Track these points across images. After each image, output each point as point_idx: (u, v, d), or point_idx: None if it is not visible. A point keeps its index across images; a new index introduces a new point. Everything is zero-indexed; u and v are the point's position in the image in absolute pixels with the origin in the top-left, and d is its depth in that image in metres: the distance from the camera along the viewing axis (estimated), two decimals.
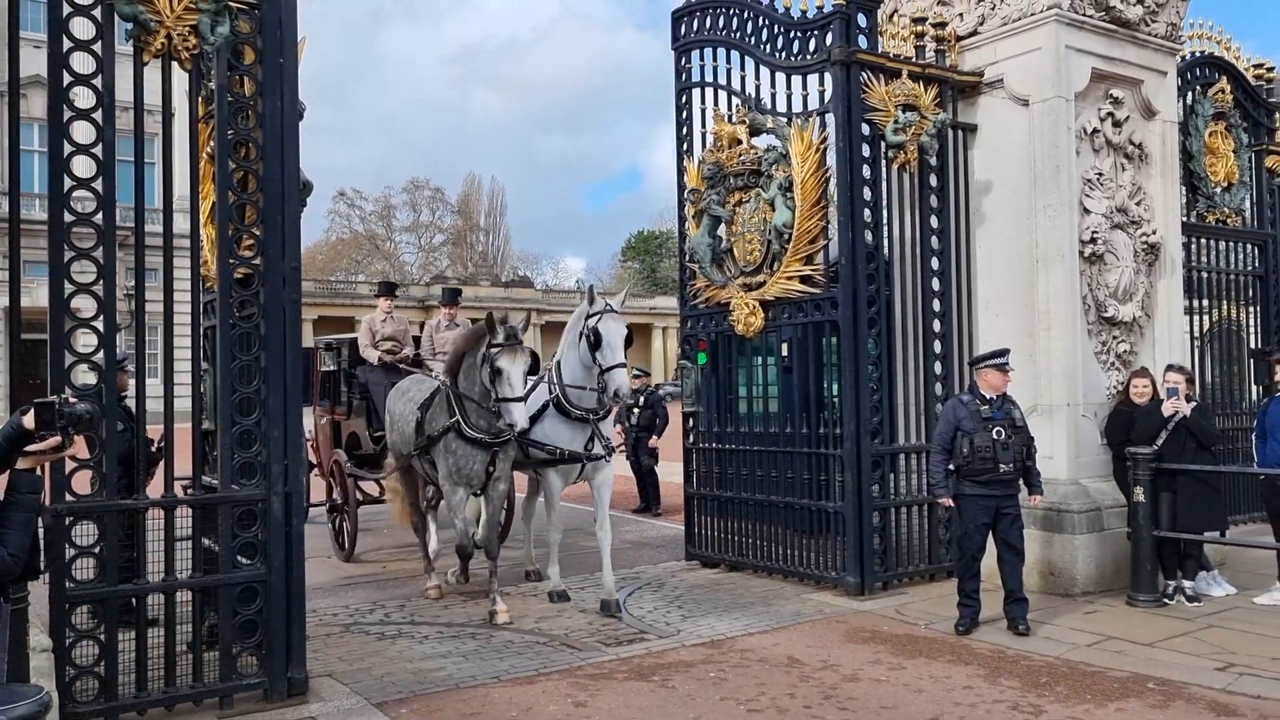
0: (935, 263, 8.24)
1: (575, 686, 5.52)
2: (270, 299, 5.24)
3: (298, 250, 5.39)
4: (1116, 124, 8.38)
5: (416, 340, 10.22)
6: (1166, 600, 7.32)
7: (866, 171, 7.85)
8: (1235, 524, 8.29)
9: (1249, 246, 10.64)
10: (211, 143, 5.31)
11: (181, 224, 5.27)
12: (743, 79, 8.69)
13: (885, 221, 8.05)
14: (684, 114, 9.27)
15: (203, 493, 5.47)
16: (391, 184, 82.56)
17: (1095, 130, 8.29)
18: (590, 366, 7.17)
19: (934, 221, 8.24)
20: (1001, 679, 5.51)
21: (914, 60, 8.19)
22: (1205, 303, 10.14)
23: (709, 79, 9.03)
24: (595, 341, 7.03)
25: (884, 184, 8.01)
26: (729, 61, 8.82)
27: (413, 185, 67.43)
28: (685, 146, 9.25)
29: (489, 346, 6.74)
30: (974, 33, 8.46)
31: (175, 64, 5.11)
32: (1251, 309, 10.74)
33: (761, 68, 8.49)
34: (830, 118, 7.89)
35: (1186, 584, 7.42)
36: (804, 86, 8.12)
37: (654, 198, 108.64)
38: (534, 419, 7.37)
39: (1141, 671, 5.65)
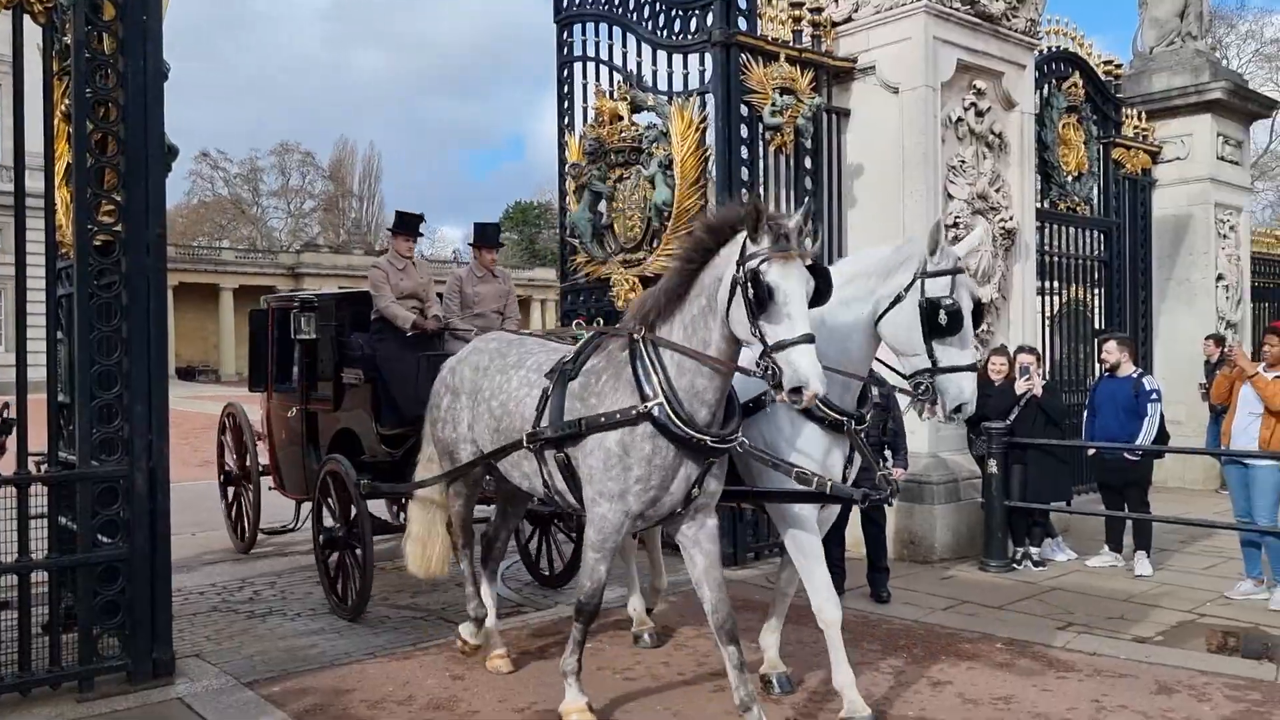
0: (809, 244, 8.47)
1: (453, 660, 5.54)
2: (133, 268, 5.00)
3: (163, 217, 5.17)
4: (979, 114, 8.78)
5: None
6: (1015, 565, 7.81)
7: (745, 152, 8.01)
8: (1077, 494, 8.87)
9: (1096, 233, 11.33)
10: (67, 101, 5.04)
11: (36, 184, 4.99)
12: (624, 55, 8.72)
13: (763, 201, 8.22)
14: (565, 88, 9.25)
15: (60, 469, 5.23)
16: (259, 146, 79.14)
17: (959, 119, 8.67)
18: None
19: (809, 203, 8.47)
20: (863, 642, 5.78)
21: (791, 44, 8.38)
22: (1056, 285, 10.76)
23: (591, 54, 9.03)
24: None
25: (762, 164, 8.20)
26: (611, 37, 8.84)
27: (281, 148, 64.84)
28: (566, 120, 9.23)
29: (744, 260, 3.84)
30: (848, 19, 8.71)
31: (28, 17, 4.82)
32: (1097, 292, 11.46)
33: (643, 45, 8.54)
34: (710, 98, 8.01)
35: (1034, 550, 7.93)
36: (684, 65, 8.22)
37: (539, 167, 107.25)
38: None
39: (991, 632, 6.03)
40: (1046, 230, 10.37)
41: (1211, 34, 15.55)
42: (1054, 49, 10.55)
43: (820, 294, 3.98)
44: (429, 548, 5.71)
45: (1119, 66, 12.03)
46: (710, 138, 8.04)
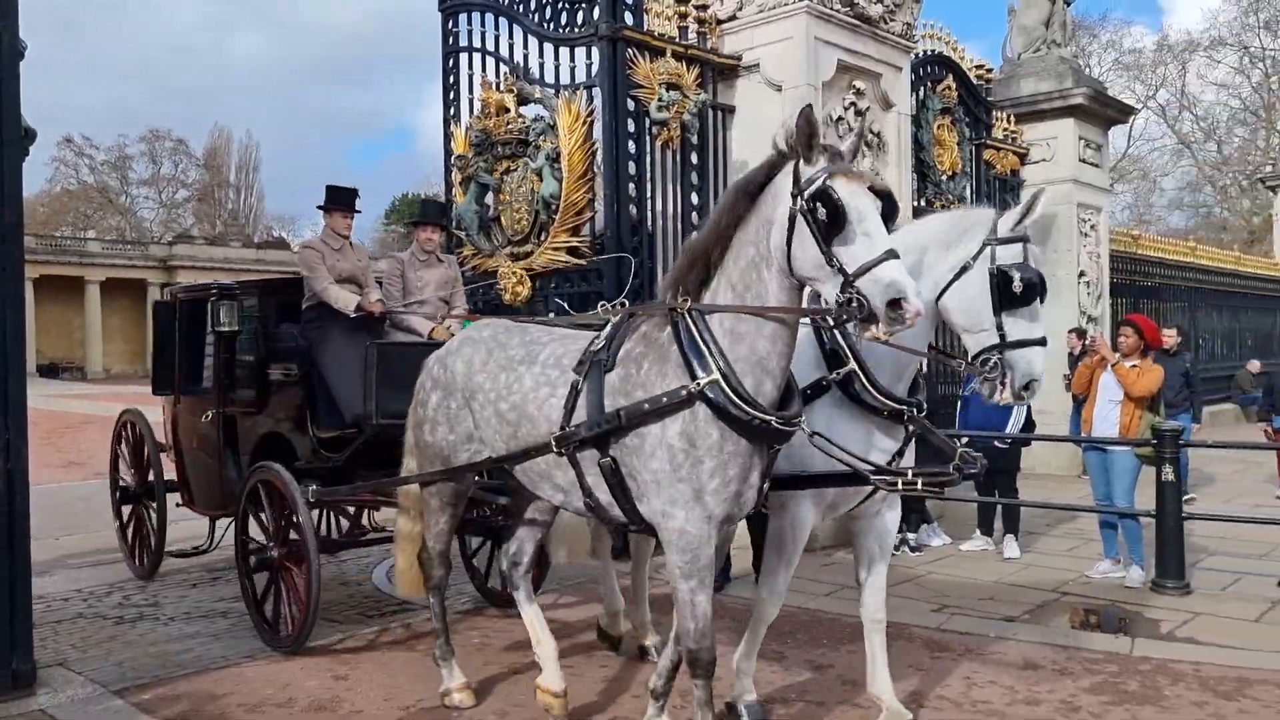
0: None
1: (336, 660, 5.42)
2: None
3: (19, 204, 4.90)
4: (859, 113, 9.03)
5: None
6: (894, 551, 8.07)
7: (632, 147, 8.06)
8: None
9: None
10: None
11: None
12: (511, 47, 8.66)
13: (650, 196, 8.30)
14: (451, 78, 9.14)
15: None
16: (127, 132, 75.59)
17: (840, 118, 8.90)
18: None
19: (695, 198, 8.58)
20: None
21: (678, 40, 8.46)
22: None
23: (477, 44, 8.94)
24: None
25: (648, 159, 8.25)
26: (498, 28, 8.77)
27: (152, 135, 62.09)
28: (453, 111, 9.12)
29: (802, 185, 3.28)
30: (733, 17, 8.85)
31: None
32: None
33: (530, 37, 8.50)
34: (597, 91, 8.03)
35: (910, 536, 8.22)
36: (571, 59, 8.22)
37: (427, 159, 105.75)
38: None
39: None
40: None
41: (1075, 42, 16.34)
42: (929, 53, 10.94)
43: (887, 219, 3.35)
44: (410, 568, 4.95)
45: (990, 71, 12.56)
46: (598, 131, 8.06)
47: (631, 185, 8.02)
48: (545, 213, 8.20)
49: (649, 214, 8.31)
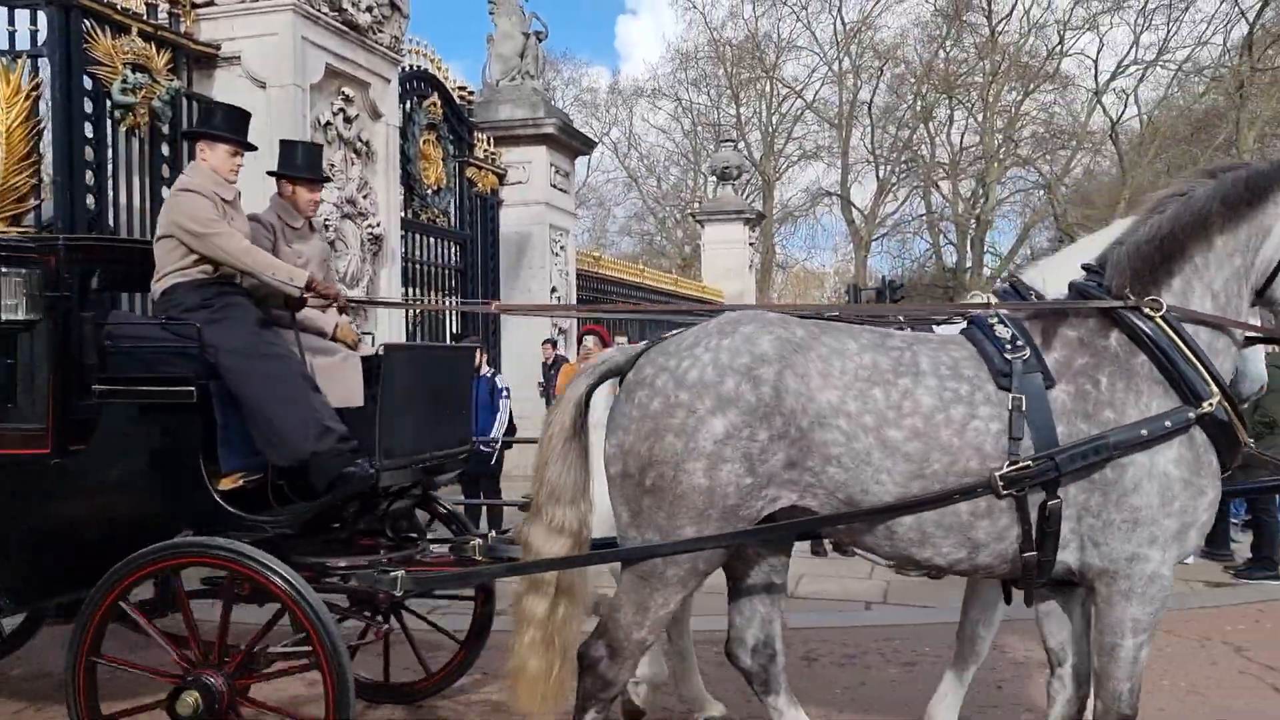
0: None
1: None
2: None
3: None
4: (348, 120, 8.95)
5: None
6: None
7: (89, 130, 7.19)
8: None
9: (453, 244, 12.27)
10: None
11: None
12: None
13: (112, 186, 7.44)
14: None
15: None
16: None
17: (329, 123, 8.75)
18: None
19: (166, 192, 7.86)
20: None
21: (146, 18, 7.69)
22: (419, 291, 11.42)
23: None
24: None
25: (110, 145, 7.40)
26: None
27: None
28: None
29: None
30: (211, 3, 8.27)
31: None
32: (455, 298, 12.41)
33: None
34: (45, 63, 7.02)
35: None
36: (11, 21, 7.09)
37: None
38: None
39: None
40: (411, 239, 10.95)
41: (544, 76, 17.77)
42: (416, 68, 11.19)
43: None
44: (552, 671, 3.28)
45: (472, 93, 13.18)
46: (45, 108, 7.03)
47: (89, 173, 7.12)
48: None
49: (109, 205, 7.44)
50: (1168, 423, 2.93)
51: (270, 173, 4.65)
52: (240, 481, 3.93)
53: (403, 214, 10.40)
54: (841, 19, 40.63)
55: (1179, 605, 6.51)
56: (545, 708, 3.29)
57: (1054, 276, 3.54)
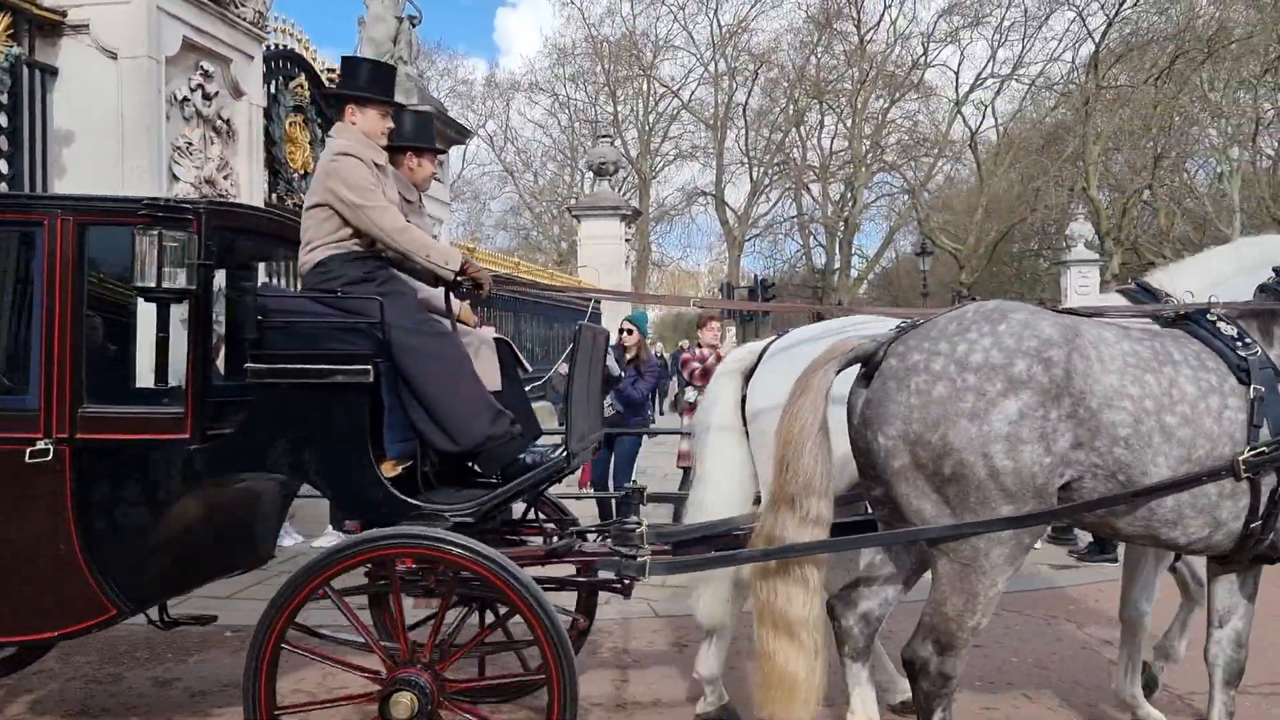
0: None
1: None
2: None
3: None
4: (207, 96, 8.54)
5: None
6: None
7: None
8: None
9: None
10: None
11: None
12: None
13: None
14: None
15: None
16: None
17: (186, 99, 8.33)
18: None
19: (5, 166, 7.35)
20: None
21: None
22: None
23: None
24: None
25: None
26: None
27: None
28: None
29: None
30: None
31: None
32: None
33: None
34: None
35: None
36: None
37: None
38: None
39: (225, 622, 5.95)
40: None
41: (418, 64, 17.40)
42: (282, 47, 10.77)
43: None
44: (815, 675, 3.27)
45: None
46: None
47: None
48: None
49: None
50: None
51: (389, 146, 4.20)
52: (399, 469, 3.66)
53: (267, 198, 10.00)
54: (718, 21, 41.28)
55: (1028, 586, 6.86)
56: (810, 712, 3.28)
57: (1182, 281, 3.97)
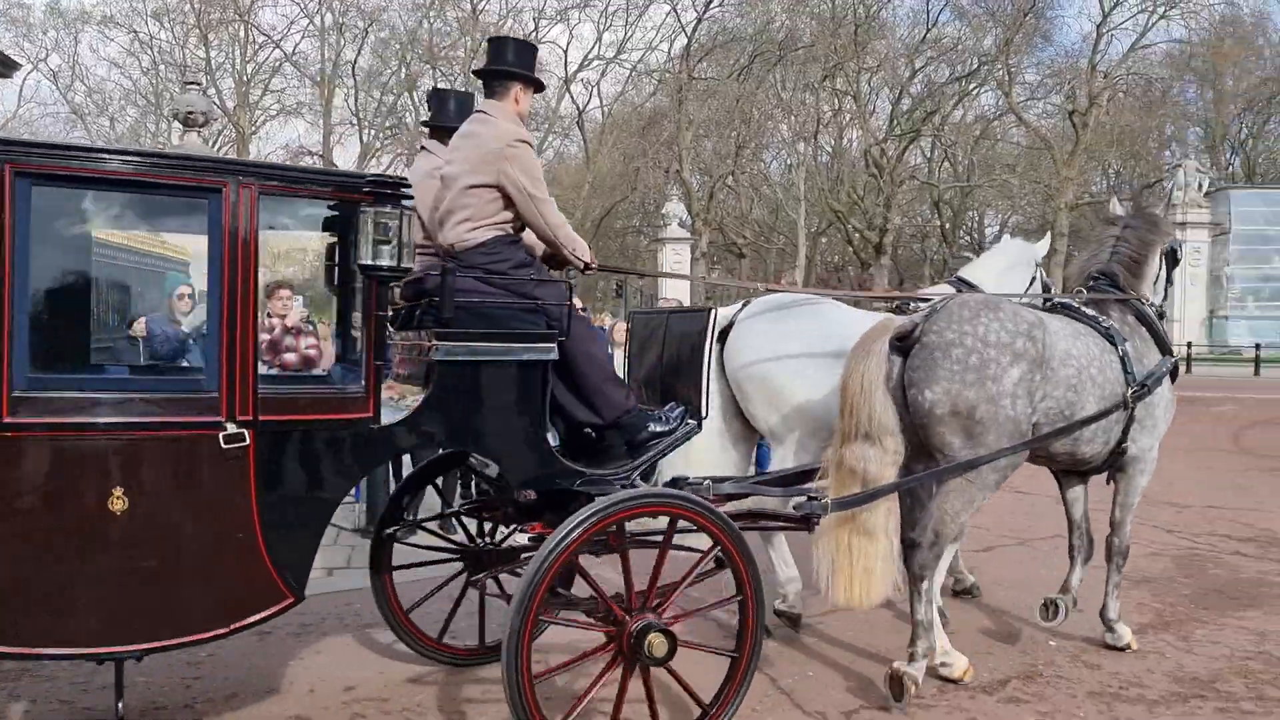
0: None
1: None
2: None
3: None
4: None
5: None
6: None
7: None
8: None
9: None
10: None
11: None
12: None
13: None
14: None
15: None
16: None
17: None
18: None
19: None
20: None
21: None
22: None
23: None
24: None
25: None
26: None
27: None
28: None
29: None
30: None
31: None
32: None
33: None
34: None
35: None
36: None
37: None
38: None
39: None
40: None
41: None
42: None
43: None
44: (888, 566, 4.30)
45: None
46: None
47: None
48: None
49: None
50: (1165, 368, 4.92)
51: (426, 123, 4.56)
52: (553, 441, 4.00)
53: None
54: None
55: None
56: (868, 597, 4.26)
57: (978, 273, 5.87)
